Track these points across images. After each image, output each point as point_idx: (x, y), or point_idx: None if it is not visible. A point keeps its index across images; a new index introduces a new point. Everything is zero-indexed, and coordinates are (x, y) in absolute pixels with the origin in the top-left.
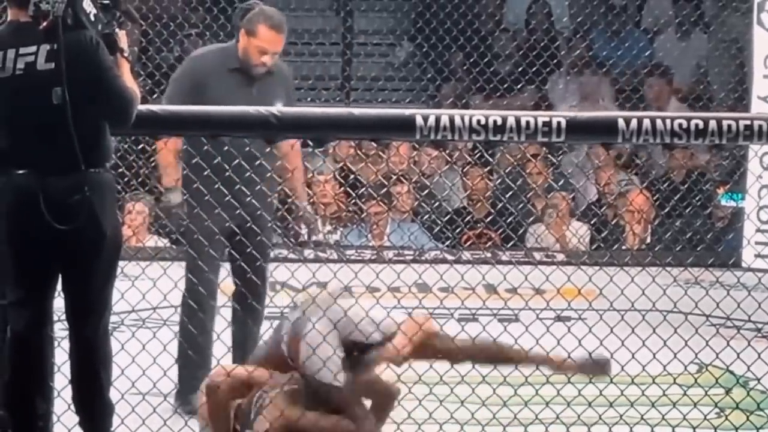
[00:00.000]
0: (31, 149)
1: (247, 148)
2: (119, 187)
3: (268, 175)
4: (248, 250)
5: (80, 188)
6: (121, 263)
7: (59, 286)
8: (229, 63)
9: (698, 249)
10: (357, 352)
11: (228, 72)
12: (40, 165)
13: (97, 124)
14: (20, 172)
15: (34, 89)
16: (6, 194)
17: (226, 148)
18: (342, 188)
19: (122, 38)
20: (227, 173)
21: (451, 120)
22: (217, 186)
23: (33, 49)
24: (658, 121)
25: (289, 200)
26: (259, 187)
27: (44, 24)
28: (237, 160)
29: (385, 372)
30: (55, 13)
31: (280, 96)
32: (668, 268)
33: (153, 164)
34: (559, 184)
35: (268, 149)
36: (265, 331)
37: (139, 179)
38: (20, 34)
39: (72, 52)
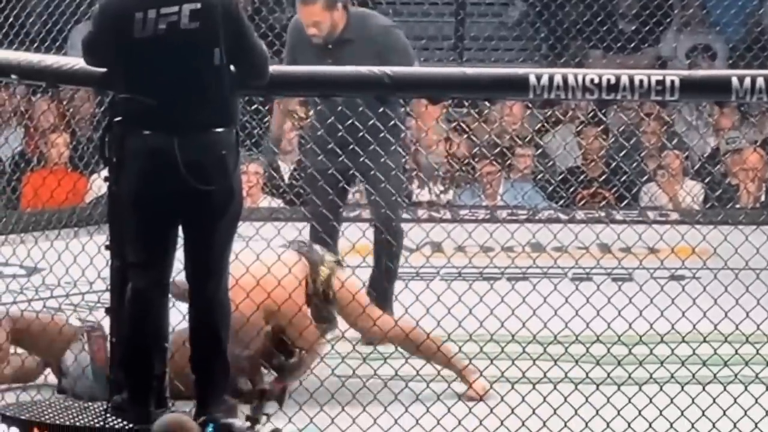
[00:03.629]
0: (168, 109)
1: (360, 108)
2: None
3: (382, 135)
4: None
5: (215, 147)
6: None
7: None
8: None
9: None
10: None
11: (310, 42)
12: (176, 125)
13: (231, 83)
14: (155, 132)
15: (178, 49)
16: (141, 156)
17: (339, 108)
18: (456, 147)
19: None
20: (340, 134)
21: (565, 79)
22: (330, 146)
23: (175, 9)
24: None
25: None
26: (372, 147)
27: None
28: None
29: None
30: None
31: (366, 64)
32: None
33: (266, 125)
34: (673, 143)
35: (381, 109)
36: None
37: (253, 140)
38: None
39: (219, 12)
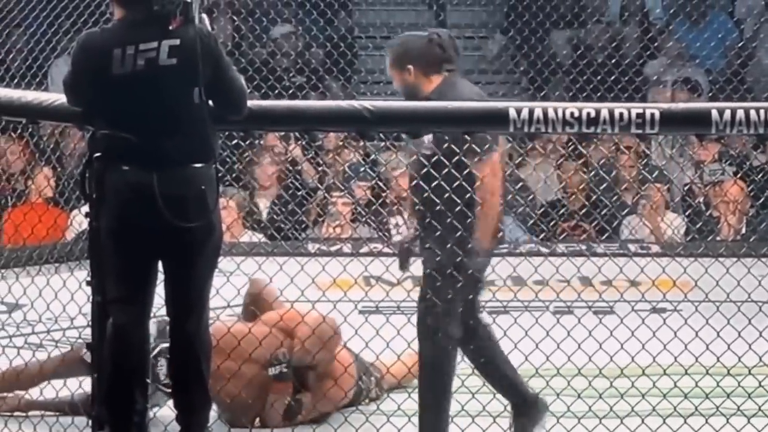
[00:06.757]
0: (147, 145)
1: None
2: None
3: None
4: None
5: (195, 183)
6: None
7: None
8: None
9: None
10: None
11: None
12: (155, 160)
13: (210, 118)
14: (134, 167)
15: (157, 85)
16: (120, 192)
17: None
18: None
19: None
20: None
21: (545, 112)
22: None
23: (154, 44)
24: (752, 112)
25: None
26: None
27: (175, 23)
28: None
29: None
30: (181, 11)
31: None
32: (764, 259)
33: (247, 159)
34: (654, 175)
35: None
36: (361, 324)
37: (233, 174)
38: (137, 30)
39: (197, 48)
